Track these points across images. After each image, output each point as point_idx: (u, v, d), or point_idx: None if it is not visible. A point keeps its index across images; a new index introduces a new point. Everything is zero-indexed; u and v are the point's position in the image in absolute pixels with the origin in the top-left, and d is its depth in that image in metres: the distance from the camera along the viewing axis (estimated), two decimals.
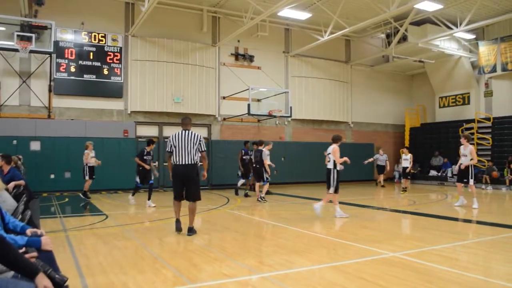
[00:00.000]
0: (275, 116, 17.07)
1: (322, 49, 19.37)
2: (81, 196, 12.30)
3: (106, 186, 14.76)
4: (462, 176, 10.74)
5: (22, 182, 6.85)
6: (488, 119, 18.95)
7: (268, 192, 13.06)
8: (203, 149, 6.96)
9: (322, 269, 4.86)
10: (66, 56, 15.03)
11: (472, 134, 18.64)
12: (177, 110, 16.51)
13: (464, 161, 10.59)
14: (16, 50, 13.49)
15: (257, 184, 12.37)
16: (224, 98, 17.83)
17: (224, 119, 17.88)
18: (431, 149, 20.74)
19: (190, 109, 16.77)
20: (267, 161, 12.31)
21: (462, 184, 10.83)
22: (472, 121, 19.29)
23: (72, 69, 15.11)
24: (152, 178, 11.22)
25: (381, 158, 17.86)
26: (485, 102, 19.93)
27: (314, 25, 18.29)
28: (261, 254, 5.86)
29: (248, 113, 16.23)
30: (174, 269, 4.80)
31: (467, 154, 10.52)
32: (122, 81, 15.91)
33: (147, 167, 10.86)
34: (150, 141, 11.21)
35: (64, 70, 14.99)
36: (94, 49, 15.47)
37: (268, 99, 17.43)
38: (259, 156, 12.21)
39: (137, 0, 15.79)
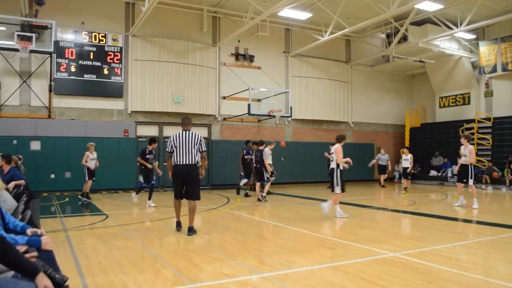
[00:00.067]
0: (275, 116, 17.06)
1: (322, 49, 19.37)
2: (79, 196, 12.27)
3: (106, 186, 14.76)
4: (462, 176, 10.74)
5: (22, 182, 6.85)
6: (488, 119, 18.95)
7: (268, 192, 13.05)
8: (203, 149, 7.02)
9: (322, 269, 4.86)
10: (67, 56, 15.03)
11: (473, 134, 18.63)
12: (177, 110, 16.51)
13: (463, 160, 10.60)
14: (16, 50, 13.49)
15: (257, 184, 12.37)
16: (224, 98, 17.83)
17: (224, 119, 17.89)
18: (431, 149, 20.73)
19: (190, 109, 16.77)
20: (267, 161, 12.32)
21: (462, 184, 10.83)
22: (473, 121, 19.29)
23: (73, 69, 15.11)
24: (154, 178, 11.21)
25: (383, 158, 17.85)
26: (485, 102, 19.92)
27: (314, 25, 18.30)
28: (261, 254, 5.86)
29: (248, 113, 16.24)
30: (174, 269, 4.80)
31: (467, 154, 10.52)
32: (122, 81, 15.92)
33: (150, 166, 10.84)
34: (152, 139, 11.16)
35: (64, 70, 14.99)
36: (94, 49, 15.48)
37: (268, 99, 17.44)
38: (260, 156, 12.21)
39: (138, 0, 15.79)
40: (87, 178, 11.80)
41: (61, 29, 14.93)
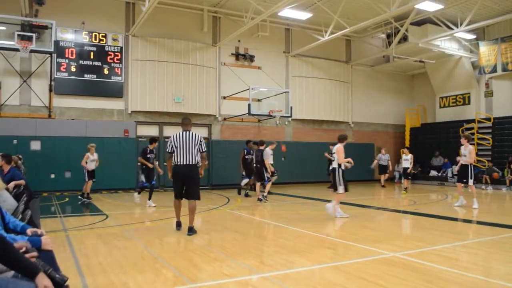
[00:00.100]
0: (275, 116, 17.06)
1: (323, 49, 19.37)
2: (79, 197, 12.30)
3: (106, 186, 14.77)
4: (462, 176, 10.74)
5: (22, 181, 6.85)
6: (488, 119, 18.95)
7: (269, 192, 13.05)
8: (203, 150, 7.07)
9: (322, 269, 4.86)
10: (67, 56, 15.03)
11: (473, 134, 18.63)
12: (177, 110, 16.51)
13: (463, 161, 10.61)
14: (16, 50, 13.49)
15: (257, 184, 12.38)
16: (224, 98, 17.83)
17: (225, 119, 17.88)
18: (431, 149, 20.73)
19: (191, 109, 16.77)
20: (268, 160, 12.34)
21: (462, 185, 10.83)
22: (473, 121, 19.29)
23: (73, 69, 15.11)
24: (155, 178, 11.20)
25: (383, 157, 17.85)
26: (485, 102, 19.92)
27: (314, 25, 18.30)
28: (261, 254, 5.86)
29: (249, 113, 16.24)
30: (174, 269, 4.80)
31: (467, 154, 10.53)
32: (122, 81, 15.92)
33: (150, 166, 10.83)
34: (153, 139, 11.15)
35: (64, 70, 14.99)
36: (94, 48, 15.48)
37: (269, 99, 17.44)
38: (260, 156, 12.21)
39: (138, 0, 15.79)
40: (87, 179, 11.81)
41: (61, 29, 14.93)
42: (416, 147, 20.42)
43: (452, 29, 17.08)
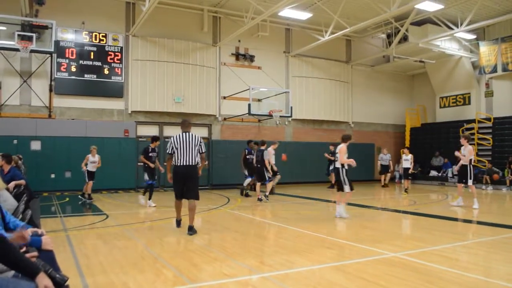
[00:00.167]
0: (275, 116, 17.06)
1: (323, 49, 19.37)
2: (79, 196, 12.34)
3: (106, 186, 14.77)
4: (462, 176, 10.75)
5: (22, 181, 6.85)
6: (488, 119, 18.94)
7: (271, 192, 13.14)
8: (203, 151, 7.18)
9: (322, 269, 4.86)
10: (67, 56, 15.03)
11: (473, 134, 18.64)
12: (177, 110, 16.51)
13: (463, 161, 10.63)
14: (17, 50, 13.49)
15: (258, 184, 12.38)
16: (224, 98, 17.83)
17: (225, 119, 17.88)
18: (431, 149, 20.73)
19: (191, 109, 16.77)
20: (270, 160, 12.41)
21: (463, 185, 10.83)
22: (473, 121, 19.28)
23: (73, 69, 15.11)
24: (155, 178, 11.19)
25: (385, 157, 17.86)
26: (485, 102, 19.91)
27: (314, 25, 18.29)
28: (261, 254, 5.86)
29: (249, 113, 16.24)
30: (174, 269, 4.80)
31: (466, 154, 10.54)
32: (122, 81, 15.92)
33: (152, 165, 10.80)
34: (154, 137, 11.12)
35: (64, 70, 14.99)
36: (94, 48, 15.48)
37: (269, 99, 17.45)
38: (261, 156, 12.21)
39: (138, 0, 15.79)
40: (87, 180, 11.82)
41: (61, 29, 14.93)
42: (416, 147, 20.42)
43: (452, 29, 17.07)
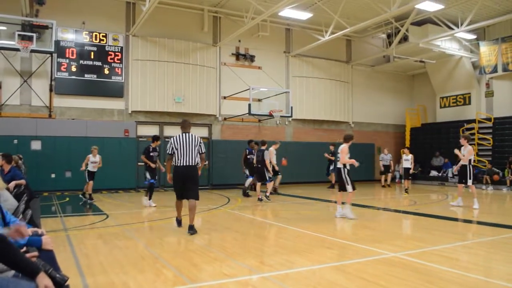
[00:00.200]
0: (274, 116, 17.07)
1: (323, 49, 19.37)
2: (80, 196, 12.37)
3: (106, 186, 14.77)
4: (462, 177, 10.76)
5: (23, 181, 6.85)
6: (489, 119, 18.94)
7: (275, 191, 13.17)
8: (202, 151, 7.25)
9: (322, 269, 4.86)
10: (67, 56, 15.03)
11: (473, 134, 18.64)
12: (178, 110, 16.52)
13: (463, 161, 10.64)
14: (17, 50, 13.49)
15: (258, 184, 12.38)
16: (225, 98, 17.83)
17: (225, 119, 17.89)
18: (431, 150, 20.73)
19: (191, 109, 16.78)
20: (271, 160, 12.43)
21: (463, 185, 10.83)
22: (473, 121, 19.28)
23: (73, 69, 15.11)
24: (156, 178, 11.17)
25: (386, 157, 17.88)
26: (486, 103, 19.91)
27: (315, 25, 18.29)
28: (261, 254, 5.86)
29: (249, 113, 16.24)
30: (174, 269, 4.80)
31: (466, 154, 10.55)
32: (123, 80, 15.92)
33: (153, 165, 10.77)
34: (155, 137, 11.09)
35: (65, 70, 14.99)
36: (95, 48, 15.48)
37: (269, 99, 17.45)
38: (261, 155, 12.21)
39: (138, 0, 15.80)
40: (88, 180, 11.81)
41: (61, 28, 14.93)
42: (416, 147, 20.42)
43: (452, 29, 17.07)
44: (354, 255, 5.65)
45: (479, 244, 6.46)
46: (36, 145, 14.32)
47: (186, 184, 7.07)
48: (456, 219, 9.27)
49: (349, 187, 8.71)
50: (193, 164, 7.07)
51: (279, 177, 14.31)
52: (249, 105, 15.88)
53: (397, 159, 20.47)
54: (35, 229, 3.35)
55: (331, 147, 16.92)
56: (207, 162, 16.54)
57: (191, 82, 16.86)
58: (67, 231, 7.20)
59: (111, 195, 13.86)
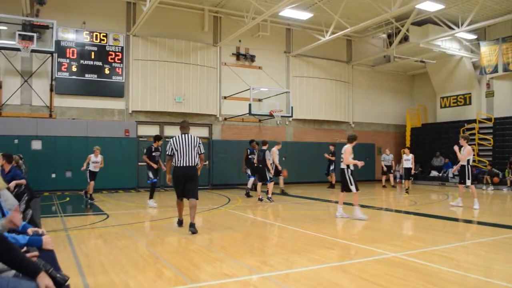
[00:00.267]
0: (275, 116, 17.07)
1: (324, 49, 19.37)
2: (81, 193, 12.48)
3: (107, 186, 14.76)
4: (462, 177, 10.77)
5: (23, 181, 6.85)
6: (489, 119, 18.92)
7: (283, 193, 13.20)
8: (202, 152, 7.33)
9: (322, 269, 4.86)
10: (68, 56, 15.04)
11: (474, 134, 18.63)
12: (178, 110, 16.52)
13: (462, 161, 10.65)
14: (17, 50, 13.51)
15: (259, 184, 12.38)
16: (225, 98, 17.84)
17: (225, 119, 17.89)
18: (432, 150, 20.72)
19: (191, 109, 16.78)
20: (274, 161, 12.44)
21: (463, 186, 10.82)
22: (474, 121, 19.27)
23: (74, 69, 15.12)
24: (157, 177, 11.16)
25: (387, 158, 17.87)
26: (486, 103, 19.91)
27: (315, 25, 18.30)
28: (262, 254, 5.87)
29: (249, 113, 16.25)
30: (175, 269, 4.80)
31: (464, 154, 10.56)
32: (123, 80, 15.93)
33: (155, 166, 10.76)
34: (157, 137, 11.09)
35: (65, 70, 15.00)
36: (95, 48, 15.49)
37: (269, 99, 17.47)
38: (262, 155, 12.21)
39: (139, 0, 15.80)
40: (89, 180, 11.81)
41: (62, 28, 14.94)
42: (416, 147, 20.42)
43: (453, 29, 17.07)
44: (354, 255, 5.65)
45: (480, 244, 6.46)
46: (36, 145, 14.33)
47: (186, 184, 7.13)
48: (456, 219, 9.27)
49: (353, 188, 8.68)
50: (193, 164, 7.14)
51: (281, 178, 14.35)
52: (250, 105, 15.88)
53: (398, 159, 20.47)
54: (36, 229, 3.35)
55: (331, 147, 16.92)
56: (207, 162, 16.55)
57: (192, 82, 16.87)
58: (68, 231, 7.21)
59: (112, 195, 13.87)
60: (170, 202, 10.67)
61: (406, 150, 15.65)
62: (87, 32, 15.40)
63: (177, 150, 7.14)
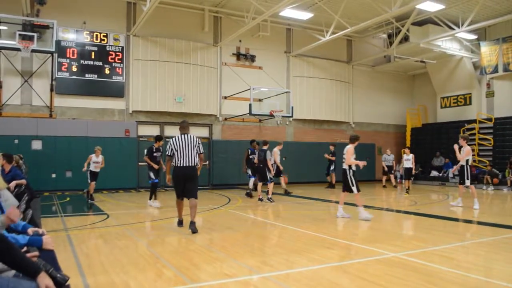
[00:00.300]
0: (275, 116, 17.07)
1: (324, 49, 19.37)
2: (81, 192, 12.51)
3: (107, 186, 14.76)
4: (461, 177, 10.78)
5: (23, 181, 6.85)
6: (489, 119, 18.92)
7: (286, 193, 13.20)
8: (201, 152, 7.36)
9: (323, 269, 4.86)
10: (68, 56, 15.05)
11: (474, 134, 18.63)
12: (178, 110, 16.53)
13: (461, 161, 10.66)
14: (18, 50, 13.52)
15: (259, 184, 12.38)
16: (225, 98, 17.84)
17: (226, 119, 17.89)
18: (432, 150, 20.72)
19: (192, 109, 16.78)
20: (276, 161, 12.44)
21: (463, 186, 10.82)
22: (474, 121, 19.27)
23: (74, 69, 15.12)
24: (159, 178, 11.15)
25: (388, 158, 17.88)
26: (486, 103, 19.90)
27: (315, 25, 18.30)
28: (262, 254, 5.87)
29: (250, 113, 16.24)
30: (175, 269, 4.80)
31: (463, 154, 10.56)
32: (123, 80, 15.93)
33: (156, 166, 10.74)
34: (158, 137, 11.09)
35: (65, 70, 15.01)
36: (95, 48, 15.49)
37: (270, 99, 17.47)
38: (263, 156, 12.21)
39: (139, 0, 15.80)
40: (89, 181, 11.79)
41: (62, 28, 14.95)
42: (417, 147, 20.41)
43: (453, 29, 17.07)
44: (354, 255, 5.65)
45: (480, 244, 6.46)
46: (37, 145, 14.34)
47: (186, 184, 7.15)
48: (456, 219, 9.26)
49: (354, 189, 8.67)
50: (193, 164, 7.17)
51: (282, 178, 14.36)
52: (250, 105, 15.88)
53: (398, 159, 20.47)
54: (36, 229, 3.35)
55: (331, 147, 16.91)
56: (207, 162, 16.55)
57: (192, 82, 16.87)
58: (68, 231, 7.21)
59: (112, 195, 13.87)
60: (170, 202, 10.66)
61: (407, 150, 15.65)
62: (87, 32, 15.40)
63: (177, 150, 7.17)
